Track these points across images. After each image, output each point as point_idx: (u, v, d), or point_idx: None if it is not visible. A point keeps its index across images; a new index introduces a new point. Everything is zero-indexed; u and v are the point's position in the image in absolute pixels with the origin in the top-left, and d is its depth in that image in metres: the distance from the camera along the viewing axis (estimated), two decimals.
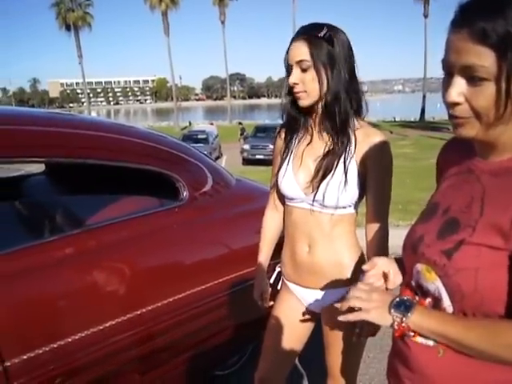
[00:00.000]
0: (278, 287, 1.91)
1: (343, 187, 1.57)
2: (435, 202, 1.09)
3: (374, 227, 1.62)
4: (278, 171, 1.74)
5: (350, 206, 1.64)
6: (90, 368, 1.90)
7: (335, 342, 1.75)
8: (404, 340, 1.04)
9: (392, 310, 1.00)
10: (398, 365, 1.11)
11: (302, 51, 1.54)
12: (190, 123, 35.65)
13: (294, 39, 1.56)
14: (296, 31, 1.58)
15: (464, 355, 0.94)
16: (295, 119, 1.69)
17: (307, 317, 1.83)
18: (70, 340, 1.80)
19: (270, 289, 1.94)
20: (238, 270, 2.41)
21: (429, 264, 0.99)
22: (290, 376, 1.98)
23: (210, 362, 2.59)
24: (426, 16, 49.46)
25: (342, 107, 1.56)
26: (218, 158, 22.31)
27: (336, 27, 1.57)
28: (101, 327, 1.88)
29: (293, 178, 1.68)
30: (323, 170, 1.60)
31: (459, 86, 0.88)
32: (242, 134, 25.87)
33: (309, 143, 1.67)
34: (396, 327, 1.00)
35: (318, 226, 1.66)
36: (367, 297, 1.06)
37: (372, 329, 1.65)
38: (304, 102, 1.60)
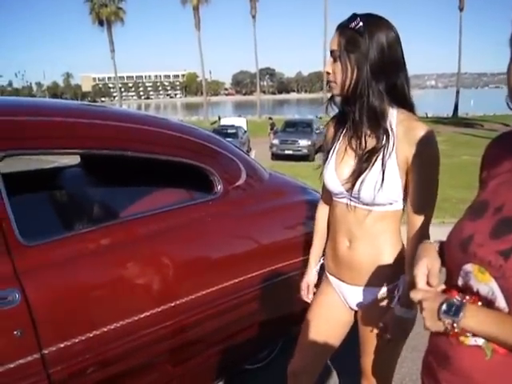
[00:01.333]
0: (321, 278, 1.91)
1: (380, 184, 1.52)
2: (484, 200, 1.04)
3: (416, 225, 1.55)
4: (324, 164, 1.72)
5: (391, 204, 1.58)
6: (122, 358, 1.93)
7: (371, 341, 1.72)
8: (447, 340, 1.00)
9: (442, 316, 0.94)
10: (435, 366, 1.06)
11: (334, 41, 1.53)
12: (219, 118, 35.67)
13: (336, 28, 1.55)
14: None
15: None
16: (343, 112, 1.67)
17: (345, 313, 1.81)
18: (104, 330, 1.82)
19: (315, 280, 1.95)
20: (270, 265, 2.40)
21: (482, 264, 0.94)
22: (323, 373, 1.96)
23: (240, 356, 2.60)
24: (461, 9, 48.22)
25: (362, 101, 1.52)
26: (246, 152, 22.26)
27: (377, 19, 1.52)
28: (135, 318, 1.90)
29: (334, 172, 1.66)
30: (360, 167, 1.56)
31: None
32: (271, 129, 25.80)
33: (351, 138, 1.63)
34: (450, 333, 0.95)
35: (357, 221, 1.63)
36: (421, 306, 1.00)
37: (399, 331, 1.61)
38: (334, 91, 1.60)
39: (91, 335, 1.79)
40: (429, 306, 0.98)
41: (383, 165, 1.52)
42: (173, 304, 2.01)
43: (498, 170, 1.05)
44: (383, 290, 1.66)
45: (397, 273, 1.62)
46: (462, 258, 1.00)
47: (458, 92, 47.57)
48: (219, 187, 2.28)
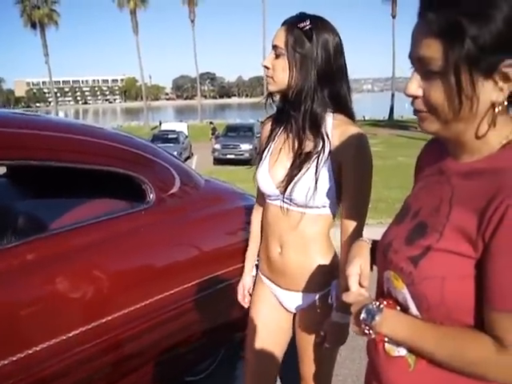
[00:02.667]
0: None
1: (314, 186, 1.52)
2: (407, 205, 1.04)
3: (349, 228, 1.55)
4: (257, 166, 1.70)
5: (324, 207, 1.58)
6: (55, 379, 1.83)
7: (308, 347, 1.71)
8: (376, 351, 1.00)
9: (361, 321, 0.94)
10: (371, 377, 1.06)
11: (279, 37, 1.51)
12: (160, 123, 35.27)
13: (282, 23, 1.52)
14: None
15: (436, 368, 0.89)
16: (280, 110, 1.65)
17: (284, 318, 1.78)
18: (30, 352, 1.71)
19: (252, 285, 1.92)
20: (208, 273, 2.36)
21: (396, 271, 0.94)
22: None
23: (181, 368, 2.53)
24: (393, 16, 50.27)
25: (306, 106, 1.52)
26: (188, 157, 22.17)
27: (325, 24, 1.52)
28: (65, 336, 1.80)
29: (267, 174, 1.64)
30: (294, 169, 1.56)
31: (417, 79, 0.86)
32: (213, 134, 25.80)
33: (286, 138, 1.62)
34: (369, 338, 0.96)
35: (290, 226, 1.62)
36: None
37: (337, 337, 1.61)
38: (270, 87, 1.58)
39: (21, 356, 1.68)
40: (354, 310, 0.98)
41: (317, 168, 1.52)
42: (107, 319, 1.93)
43: (422, 175, 1.06)
44: (317, 296, 1.66)
45: (329, 278, 1.62)
46: (384, 265, 1.00)
47: (393, 95, 49.37)
48: (151, 196, 2.21)
